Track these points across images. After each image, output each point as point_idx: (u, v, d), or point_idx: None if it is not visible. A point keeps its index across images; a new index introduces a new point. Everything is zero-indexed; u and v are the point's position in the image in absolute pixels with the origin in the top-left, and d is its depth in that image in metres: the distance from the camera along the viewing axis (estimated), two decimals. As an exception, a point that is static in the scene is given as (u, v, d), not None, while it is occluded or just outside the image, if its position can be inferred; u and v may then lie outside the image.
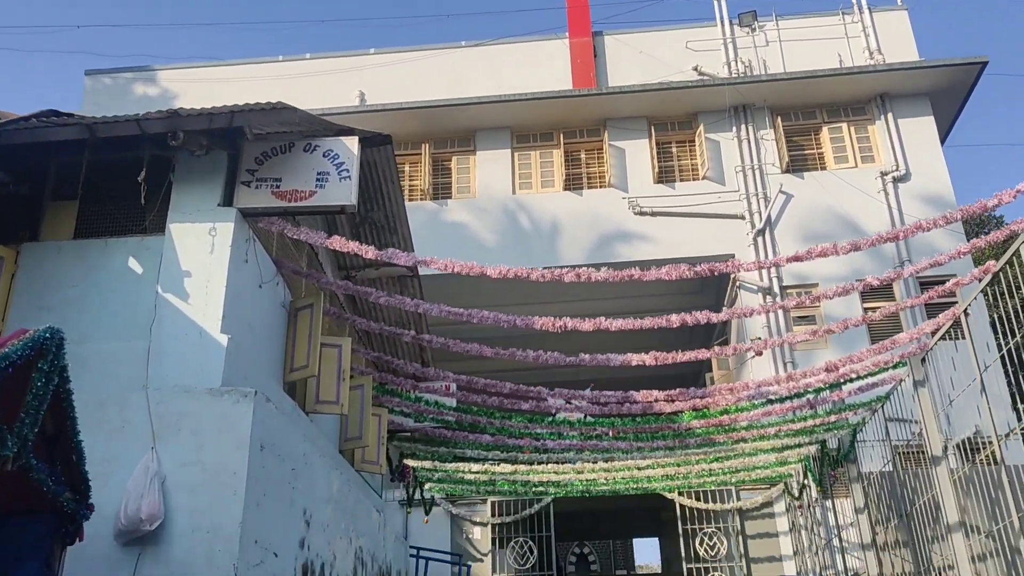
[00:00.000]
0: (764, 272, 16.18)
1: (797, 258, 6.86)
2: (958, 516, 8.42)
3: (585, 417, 10.15)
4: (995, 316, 8.77)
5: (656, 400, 8.54)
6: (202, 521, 5.28)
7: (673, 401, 8.75)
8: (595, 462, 12.45)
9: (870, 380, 9.42)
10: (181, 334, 6.17)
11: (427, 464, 12.43)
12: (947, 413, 8.87)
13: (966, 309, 8.25)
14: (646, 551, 63.02)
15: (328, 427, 8.94)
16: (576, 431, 9.91)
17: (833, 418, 10.31)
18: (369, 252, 6.60)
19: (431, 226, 17.10)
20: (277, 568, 5.81)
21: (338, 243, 6.68)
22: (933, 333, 8.84)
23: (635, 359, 7.66)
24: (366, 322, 8.16)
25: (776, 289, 16.02)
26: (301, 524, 6.40)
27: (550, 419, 9.70)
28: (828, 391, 9.67)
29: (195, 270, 6.37)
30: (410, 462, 12.36)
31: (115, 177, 6.79)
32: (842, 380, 8.97)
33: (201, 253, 6.45)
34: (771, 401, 9.37)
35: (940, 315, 8.32)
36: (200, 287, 6.31)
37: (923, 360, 9.16)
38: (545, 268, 6.93)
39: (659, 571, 41.21)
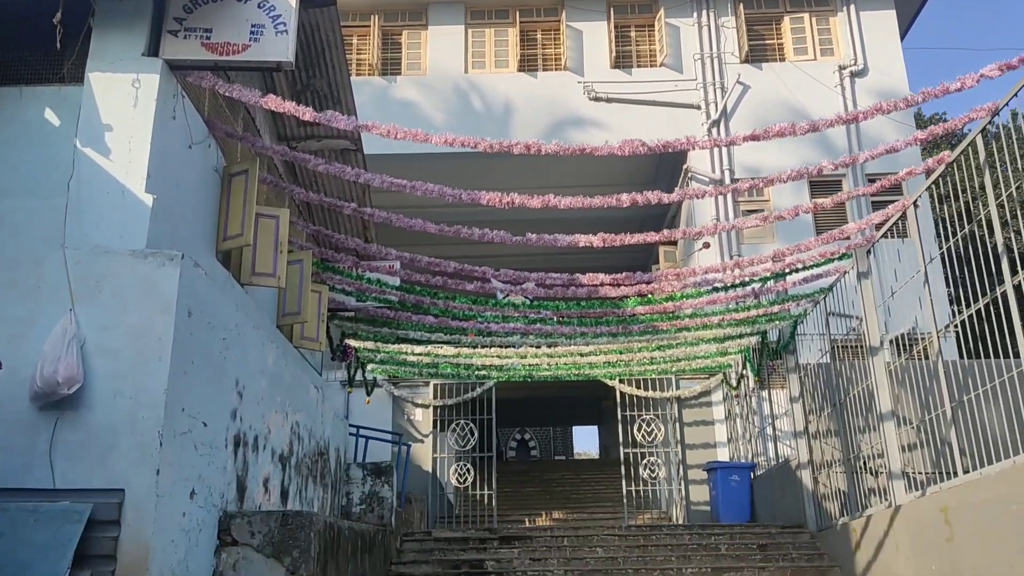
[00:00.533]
0: (716, 163, 16.04)
1: (754, 137, 6.65)
2: (891, 406, 8.59)
3: (532, 301, 10.04)
4: (937, 219, 8.82)
5: (602, 284, 8.41)
6: (124, 386, 5.03)
7: (619, 285, 8.64)
8: (538, 347, 12.45)
9: (815, 271, 9.42)
10: (102, 192, 5.77)
11: (369, 345, 12.29)
12: (887, 306, 8.94)
13: (916, 200, 8.19)
14: (585, 439, 64.89)
15: (265, 300, 8.66)
16: (520, 314, 9.79)
17: (776, 309, 10.36)
18: (306, 113, 6.19)
19: (378, 103, 16.48)
20: (206, 437, 5.63)
21: (273, 102, 6.24)
22: (879, 226, 8.82)
23: (583, 240, 7.47)
24: (305, 193, 7.78)
25: (728, 181, 15.90)
26: (233, 395, 6.20)
27: (494, 302, 9.55)
28: (773, 281, 9.66)
29: (117, 124, 5.91)
30: (352, 342, 12.20)
31: (31, 20, 6.20)
32: (788, 270, 8.94)
33: (124, 106, 5.98)
34: (716, 289, 9.33)
35: (889, 207, 8.25)
36: (123, 143, 5.87)
37: (868, 252, 9.16)
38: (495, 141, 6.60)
39: (596, 457, 42.65)
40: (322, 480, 9.06)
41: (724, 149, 16.23)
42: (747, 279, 9.12)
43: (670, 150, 6.62)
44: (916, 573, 7.75)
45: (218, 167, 7.15)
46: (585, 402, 30.37)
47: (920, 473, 8.44)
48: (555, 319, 10.11)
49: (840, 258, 9.15)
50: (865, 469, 9.81)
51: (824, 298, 10.31)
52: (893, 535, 8.26)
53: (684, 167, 16.26)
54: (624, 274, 8.45)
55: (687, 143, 6.78)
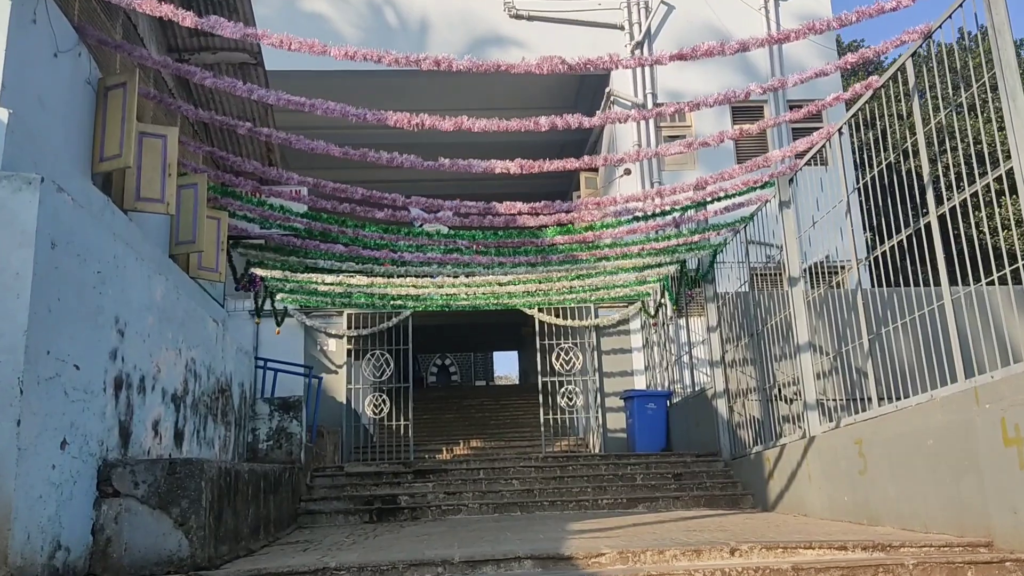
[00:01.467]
0: (639, 87, 15.65)
1: (681, 56, 6.27)
2: (808, 336, 8.52)
3: (450, 230, 9.59)
4: (858, 147, 8.65)
5: (520, 213, 8.01)
6: (-25, 329, 4.44)
7: (537, 215, 8.26)
8: (455, 276, 12.06)
9: (736, 200, 9.21)
10: (-55, 105, 5.04)
11: (277, 274, 11.69)
12: (808, 236, 8.80)
13: (841, 128, 7.97)
14: (505, 363, 65.54)
15: (154, 229, 8.00)
16: (435, 243, 9.34)
17: (696, 238, 10.16)
18: (186, 19, 5.50)
19: (284, 16, 15.49)
20: (79, 381, 5.09)
21: (148, 5, 5.51)
22: (800, 155, 8.60)
23: (499, 166, 7.03)
24: (194, 110, 7.08)
25: (651, 105, 15.55)
26: (112, 334, 5.64)
27: (407, 231, 9.06)
28: (695, 210, 9.42)
29: (-39, 27, 5.14)
30: (259, 271, 11.57)
31: None
32: (710, 198, 8.69)
33: (-31, 6, 5.20)
34: (637, 218, 9.04)
35: (814, 134, 8.02)
36: (-32, 49, 5.12)
37: (790, 181, 8.97)
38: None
39: (516, 382, 42.99)
40: (224, 418, 8.58)
41: (647, 73, 15.84)
42: (668, 208, 8.85)
43: (592, 69, 6.19)
44: (828, 504, 7.80)
45: (91, 80, 6.40)
46: (505, 328, 30.36)
47: (833, 400, 8.47)
48: (472, 248, 9.69)
49: (762, 187, 8.95)
50: (780, 398, 9.84)
51: (744, 227, 10.15)
52: (806, 465, 8.29)
53: (606, 90, 15.83)
54: (543, 203, 8.07)
55: (610, 61, 6.34)
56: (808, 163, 8.60)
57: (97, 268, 5.44)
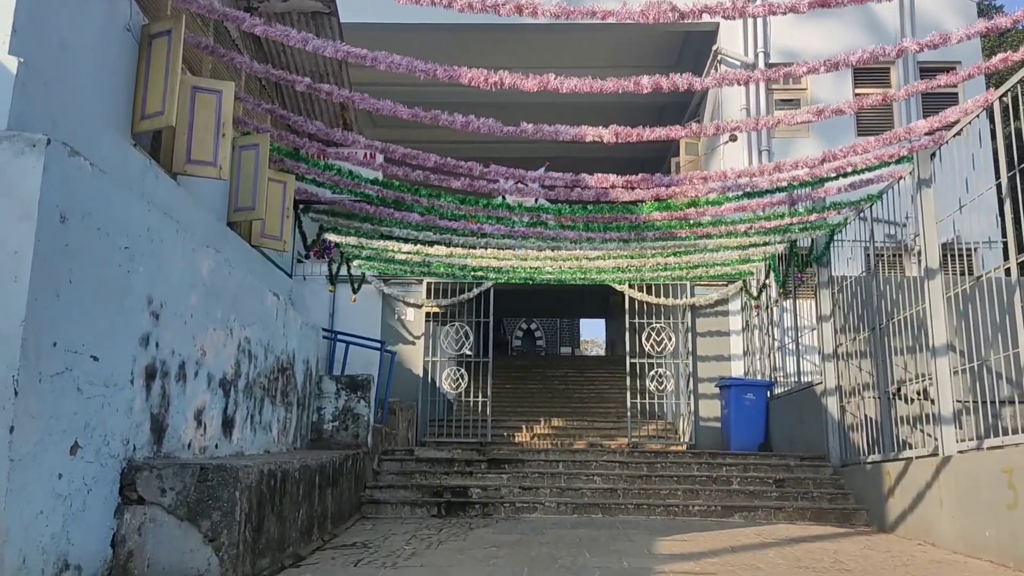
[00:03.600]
0: (750, 46, 14.28)
1: (795, 8, 5.11)
2: (946, 336, 7.31)
3: (536, 201, 8.67)
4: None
5: (613, 187, 7.01)
6: (-37, 319, 3.77)
7: (633, 188, 7.24)
8: (540, 250, 11.15)
9: (866, 175, 7.98)
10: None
11: (352, 240, 11.01)
12: (953, 219, 7.53)
13: (1003, 95, 6.65)
14: (592, 329, 64.41)
15: (210, 194, 7.34)
16: (518, 216, 8.43)
17: (813, 217, 8.95)
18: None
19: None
20: (97, 374, 4.42)
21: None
22: (931, 133, 7.24)
23: (591, 133, 6.06)
24: (249, 62, 6.31)
25: (762, 65, 14.16)
26: (143, 317, 4.96)
27: (485, 202, 8.17)
28: (814, 187, 8.23)
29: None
30: (332, 237, 10.91)
31: None
32: (834, 173, 7.48)
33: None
34: (748, 194, 7.91)
35: (968, 101, 6.72)
36: (-26, -16, 4.42)
37: (932, 156, 7.69)
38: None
39: (603, 352, 42.04)
40: (284, 399, 7.95)
41: (759, 29, 14.42)
42: (785, 183, 7.69)
43: (708, 16, 5.11)
44: (964, 536, 6.66)
45: (132, 26, 5.68)
46: (593, 296, 29.33)
47: (970, 411, 7.26)
48: (559, 223, 8.75)
49: (898, 161, 7.69)
50: (901, 398, 8.65)
51: (871, 206, 8.89)
52: (937, 487, 7.13)
53: (713, 48, 14.50)
54: (640, 175, 7.03)
55: (733, 8, 5.23)
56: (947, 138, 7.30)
57: (124, 243, 4.74)
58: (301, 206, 9.91)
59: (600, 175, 6.95)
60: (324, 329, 10.15)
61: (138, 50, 5.76)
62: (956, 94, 13.95)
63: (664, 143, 17.22)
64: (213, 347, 6.09)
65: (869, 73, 14.35)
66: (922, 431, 8.26)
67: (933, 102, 13.73)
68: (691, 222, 8.51)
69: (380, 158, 9.24)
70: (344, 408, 9.16)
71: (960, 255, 13.02)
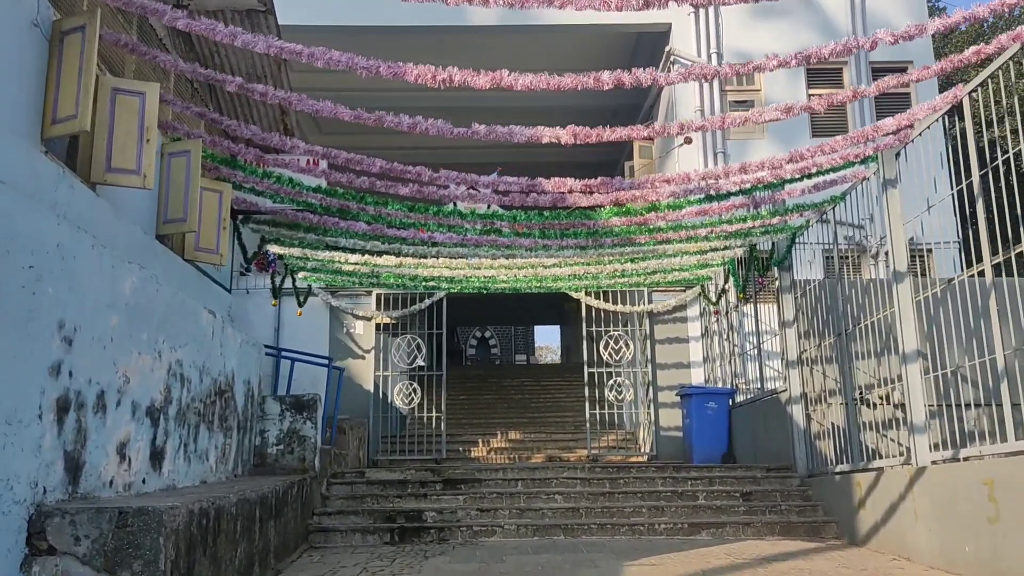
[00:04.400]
0: (703, 46, 14.07)
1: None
2: (916, 343, 7.05)
3: (489, 207, 8.25)
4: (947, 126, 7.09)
5: (571, 191, 6.63)
6: None
7: (592, 193, 6.86)
8: (494, 259, 10.73)
9: (829, 176, 7.72)
10: None
11: (296, 252, 10.47)
12: (920, 220, 7.29)
13: (972, 91, 6.42)
14: (546, 334, 64.14)
15: (137, 205, 6.78)
16: (470, 224, 8.01)
17: (775, 220, 8.68)
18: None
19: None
20: (-5, 413, 3.88)
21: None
22: (897, 132, 6.98)
23: (547, 134, 5.67)
24: (173, 60, 5.79)
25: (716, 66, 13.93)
26: (52, 343, 4.43)
27: (436, 209, 7.72)
28: (776, 189, 7.95)
29: None
30: (275, 248, 10.36)
31: None
32: (800, 175, 7.20)
33: None
34: (711, 198, 7.59)
35: (937, 97, 6.47)
36: None
37: (897, 155, 7.46)
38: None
39: (558, 358, 41.75)
40: (223, 424, 7.40)
41: (712, 30, 14.22)
42: (750, 185, 7.38)
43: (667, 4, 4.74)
44: (941, 550, 6.39)
45: (41, 21, 5.13)
46: (548, 302, 29.03)
47: (930, 419, 7.03)
48: (513, 230, 8.34)
49: (863, 162, 7.43)
50: (868, 405, 8.42)
51: (833, 208, 8.65)
52: (911, 499, 6.87)
53: (666, 49, 14.25)
54: (599, 179, 6.66)
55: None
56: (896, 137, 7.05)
57: (29, 262, 4.21)
58: (240, 217, 9.37)
59: (557, 179, 6.56)
60: (267, 346, 9.60)
61: (48, 48, 5.21)
62: (908, 94, 13.91)
63: (617, 146, 16.99)
64: (138, 373, 5.55)
65: (822, 73, 14.24)
66: (893, 440, 8.02)
67: (886, 103, 13.66)
68: (651, 227, 8.16)
69: (323, 164, 8.77)
70: (289, 430, 8.62)
71: (917, 256, 12.90)
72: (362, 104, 6.63)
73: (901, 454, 7.33)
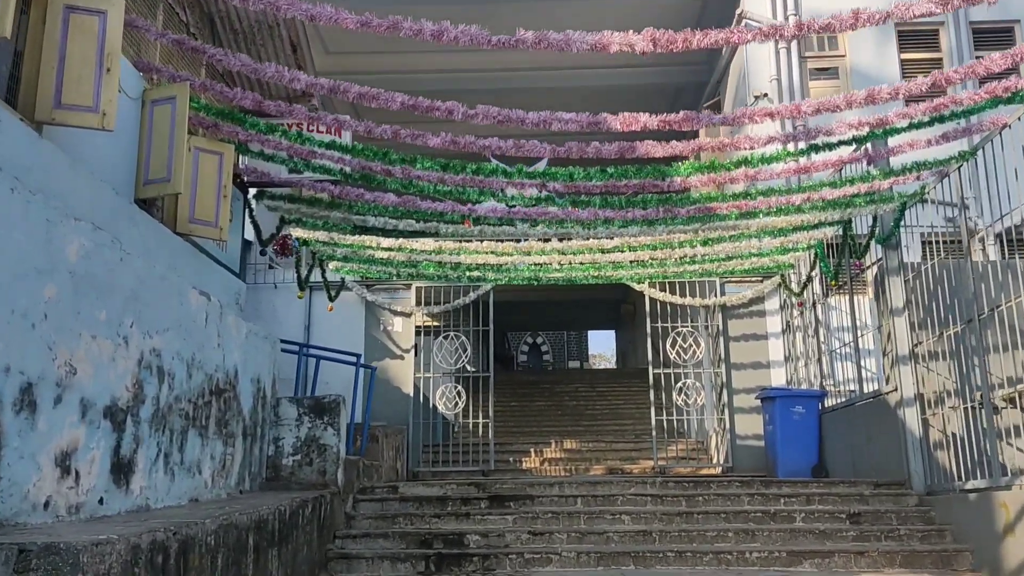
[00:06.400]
0: (778, 5, 12.54)
1: None
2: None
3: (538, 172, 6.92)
4: None
5: (644, 129, 5.20)
6: None
7: (669, 140, 5.46)
8: (547, 240, 9.38)
9: (964, 124, 6.20)
10: None
11: (322, 236, 9.24)
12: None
13: None
14: (600, 342, 62.43)
15: (108, 158, 5.56)
16: (516, 188, 6.63)
17: (887, 183, 7.14)
18: None
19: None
20: None
21: None
22: None
23: (616, 40, 4.28)
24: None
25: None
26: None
27: (474, 167, 6.34)
28: (885, 138, 6.44)
29: None
30: (297, 232, 9.15)
31: None
32: (936, 113, 5.69)
33: None
34: (815, 148, 6.11)
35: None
36: None
37: (1057, 91, 5.89)
38: None
39: (612, 363, 40.18)
40: (222, 430, 6.14)
41: (787, -11, 12.70)
42: (868, 132, 5.88)
43: None
44: None
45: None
46: (602, 305, 27.58)
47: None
48: (568, 197, 6.95)
49: (1008, 100, 5.89)
50: (1017, 407, 6.86)
51: (960, 167, 7.09)
52: (1090, 528, 5.29)
53: (737, 12, 12.74)
54: (682, 113, 5.24)
55: None
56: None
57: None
58: (254, 192, 8.16)
59: (627, 115, 5.17)
60: (285, 341, 8.35)
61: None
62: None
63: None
64: (90, 362, 4.30)
65: (915, 36, 12.58)
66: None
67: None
68: (737, 192, 6.71)
69: (347, 136, 7.53)
70: (308, 438, 7.35)
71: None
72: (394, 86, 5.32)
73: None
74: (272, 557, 5.33)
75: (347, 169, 6.98)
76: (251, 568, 4.89)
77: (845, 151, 6.65)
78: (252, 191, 8.05)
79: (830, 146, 6.14)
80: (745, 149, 5.57)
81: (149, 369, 4.98)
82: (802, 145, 5.98)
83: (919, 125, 5.94)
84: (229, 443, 6.32)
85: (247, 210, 7.87)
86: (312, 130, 7.39)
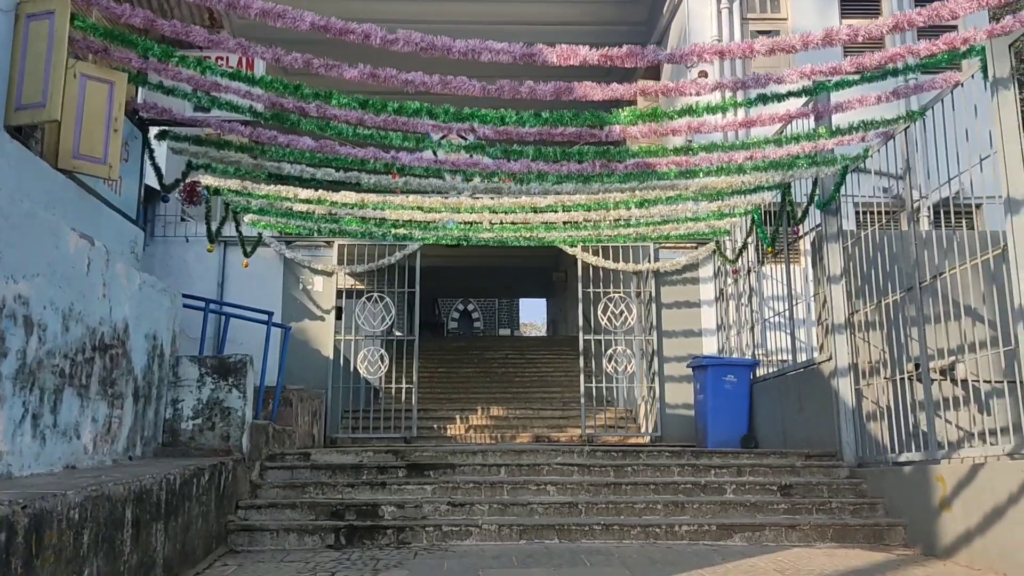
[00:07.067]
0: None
1: None
2: (1037, 295, 5.26)
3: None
4: None
5: (584, 64, 4.71)
6: None
7: (611, 82, 4.99)
8: (475, 197, 8.87)
9: (917, 79, 5.88)
10: None
11: (234, 184, 8.55)
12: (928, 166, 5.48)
13: None
14: (531, 310, 62.31)
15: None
16: (443, 131, 6.09)
17: (832, 142, 6.81)
18: None
19: None
20: None
21: None
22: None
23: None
24: None
25: (735, -10, 12.05)
26: None
27: (395, 105, 5.78)
28: (850, 87, 6.08)
29: None
30: (207, 179, 8.44)
31: None
32: (887, 64, 5.35)
33: None
34: (764, 98, 5.72)
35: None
36: None
37: (1011, 46, 5.62)
38: None
39: (544, 332, 40.02)
40: (107, 390, 5.52)
41: (732, -53, 12.31)
42: (818, 80, 5.52)
43: None
44: (1086, 577, 4.62)
45: None
46: (534, 273, 27.24)
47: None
48: (498, 147, 6.45)
49: (963, 54, 5.59)
50: (948, 379, 6.69)
51: (907, 128, 6.81)
52: (1029, 504, 5.10)
53: (678, -29, 12.34)
54: (625, 48, 4.77)
55: None
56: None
57: None
58: (156, 131, 7.44)
59: (565, 47, 4.68)
60: (189, 296, 7.69)
61: None
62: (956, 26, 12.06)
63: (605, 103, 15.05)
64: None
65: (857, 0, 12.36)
66: (953, 423, 6.29)
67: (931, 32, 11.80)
68: (677, 146, 6.30)
69: (260, 67, 6.88)
70: (210, 400, 6.75)
71: (963, 213, 11.05)
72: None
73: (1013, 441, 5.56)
74: (157, 532, 4.77)
75: (258, 107, 6.35)
76: (128, 545, 4.33)
77: (793, 105, 6.31)
78: (154, 130, 7.33)
79: (778, 97, 5.77)
80: (691, 95, 5.15)
81: (13, 319, 4.35)
82: (752, 95, 5.59)
83: (871, 78, 5.61)
84: (116, 405, 5.70)
85: (147, 151, 7.16)
86: (221, 63, 6.70)
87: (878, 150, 7.27)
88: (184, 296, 7.40)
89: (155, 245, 11.14)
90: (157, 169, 7.45)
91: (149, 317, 6.28)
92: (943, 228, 9.62)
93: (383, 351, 11.45)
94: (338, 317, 11.60)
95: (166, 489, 4.94)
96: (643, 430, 11.51)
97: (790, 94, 5.78)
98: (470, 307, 39.56)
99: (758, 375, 9.96)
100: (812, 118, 6.24)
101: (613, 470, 7.52)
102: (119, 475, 4.64)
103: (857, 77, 5.59)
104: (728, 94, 5.61)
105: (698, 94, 5.45)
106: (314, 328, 11.40)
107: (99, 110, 5.77)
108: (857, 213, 10.34)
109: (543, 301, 36.28)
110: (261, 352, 8.53)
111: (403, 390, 11.59)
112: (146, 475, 4.70)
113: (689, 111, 5.76)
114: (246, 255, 10.40)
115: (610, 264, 11.43)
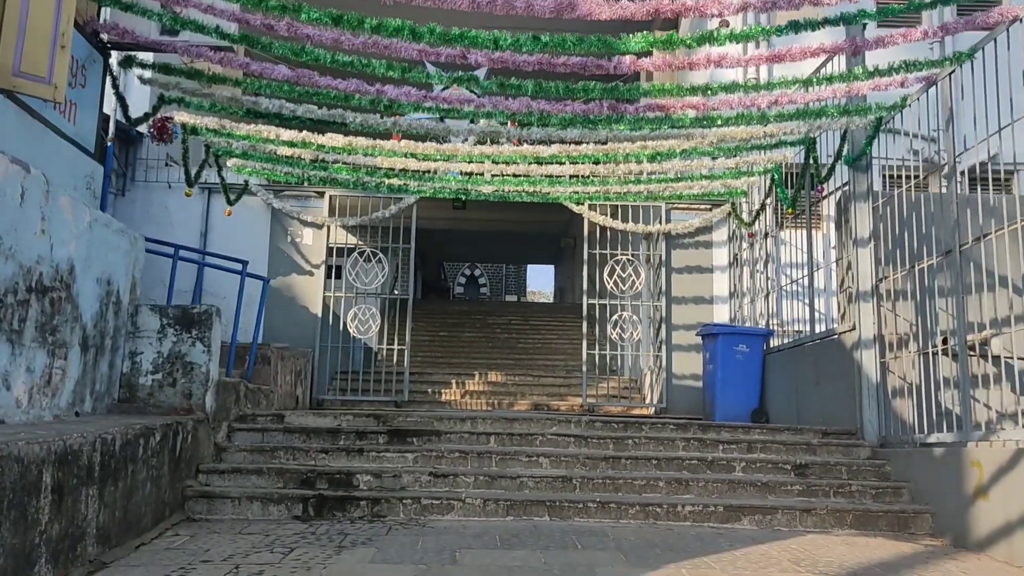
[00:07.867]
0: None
1: None
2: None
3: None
4: None
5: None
6: None
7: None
8: (474, 144, 8.21)
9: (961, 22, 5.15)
10: None
11: (211, 122, 7.88)
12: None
13: None
14: (539, 278, 61.58)
15: None
16: (434, 54, 5.40)
17: (868, 85, 6.09)
18: None
19: None
20: None
21: None
22: None
23: None
24: None
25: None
26: None
27: (375, 22, 5.09)
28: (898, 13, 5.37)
29: None
30: (181, 116, 7.78)
31: None
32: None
33: None
34: (795, 25, 5.01)
35: None
36: None
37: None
38: None
39: (550, 301, 39.42)
40: (46, 337, 4.92)
41: None
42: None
43: None
44: None
45: None
46: (542, 238, 26.55)
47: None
48: (493, 81, 5.76)
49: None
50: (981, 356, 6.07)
51: (952, 73, 6.09)
52: (1085, 495, 4.46)
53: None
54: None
55: None
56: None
57: None
58: (120, 57, 6.78)
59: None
60: (152, 240, 7.07)
61: None
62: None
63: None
64: None
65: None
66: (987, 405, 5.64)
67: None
68: (695, 85, 5.60)
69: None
70: (171, 354, 6.16)
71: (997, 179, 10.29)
72: None
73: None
74: (88, 498, 4.19)
75: (227, 28, 5.68)
76: (47, 513, 3.75)
77: (827, 39, 5.60)
78: (117, 55, 6.66)
79: (812, 24, 5.05)
80: (713, 15, 4.45)
81: (-86, 248, 3.73)
82: (782, 22, 4.88)
83: (920, 6, 4.89)
84: (58, 354, 5.10)
85: (109, 78, 6.49)
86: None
87: (917, 98, 6.54)
88: (150, 241, 6.78)
89: (136, 190, 10.54)
90: (121, 99, 6.78)
91: (102, 259, 5.67)
92: (979, 192, 8.92)
93: (374, 310, 10.85)
94: (336, 276, 11.00)
95: (100, 450, 4.35)
96: (648, 401, 10.91)
97: (826, 21, 5.07)
98: (476, 272, 39.07)
99: (772, 345, 9.31)
100: (845, 58, 5.51)
101: (613, 443, 6.92)
102: (44, 433, 4.05)
103: (904, 4, 4.87)
104: (752, 21, 4.84)
105: (721, 14, 4.75)
106: (302, 283, 10.80)
107: (44, 24, 5.11)
108: (883, 177, 9.63)
109: (551, 269, 35.64)
110: (245, 306, 7.94)
111: (396, 351, 11.01)
112: (73, 434, 4.11)
113: (710, 38, 5.07)
114: (229, 203, 9.76)
115: (619, 224, 10.76)
